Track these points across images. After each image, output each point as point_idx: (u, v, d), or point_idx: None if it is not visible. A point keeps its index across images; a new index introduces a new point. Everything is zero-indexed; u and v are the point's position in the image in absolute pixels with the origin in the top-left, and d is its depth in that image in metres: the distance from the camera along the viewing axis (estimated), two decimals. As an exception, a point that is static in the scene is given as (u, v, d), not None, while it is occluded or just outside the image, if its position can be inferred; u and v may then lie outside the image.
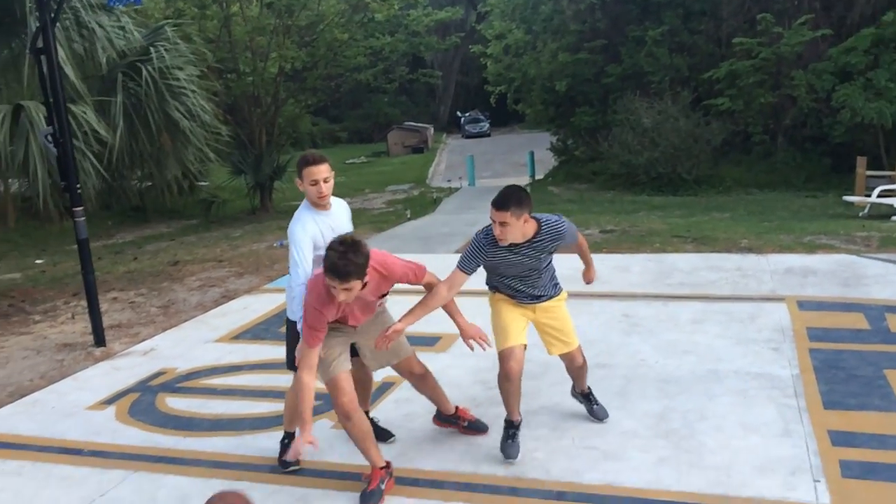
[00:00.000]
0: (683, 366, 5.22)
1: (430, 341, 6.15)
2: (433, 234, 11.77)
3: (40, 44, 6.24)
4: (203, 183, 19.73)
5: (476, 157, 27.76)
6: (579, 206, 15.75)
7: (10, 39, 7.62)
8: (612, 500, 3.60)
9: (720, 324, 6.07)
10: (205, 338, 6.78)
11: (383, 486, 3.76)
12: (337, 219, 3.99)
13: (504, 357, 3.92)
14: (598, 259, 8.62)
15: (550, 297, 4.07)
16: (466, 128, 47.75)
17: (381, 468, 3.80)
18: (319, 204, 3.91)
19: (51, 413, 5.26)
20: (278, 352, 6.12)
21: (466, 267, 3.89)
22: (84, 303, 8.46)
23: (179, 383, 5.66)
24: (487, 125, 47.28)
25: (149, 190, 12.27)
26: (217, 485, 4.03)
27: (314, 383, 3.56)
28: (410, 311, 3.82)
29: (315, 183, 3.84)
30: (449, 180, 25.33)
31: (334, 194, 4.00)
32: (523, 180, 24.38)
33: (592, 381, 4.98)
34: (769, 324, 5.97)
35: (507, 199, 3.66)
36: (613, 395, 4.78)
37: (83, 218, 6.44)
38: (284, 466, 4.13)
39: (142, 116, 8.35)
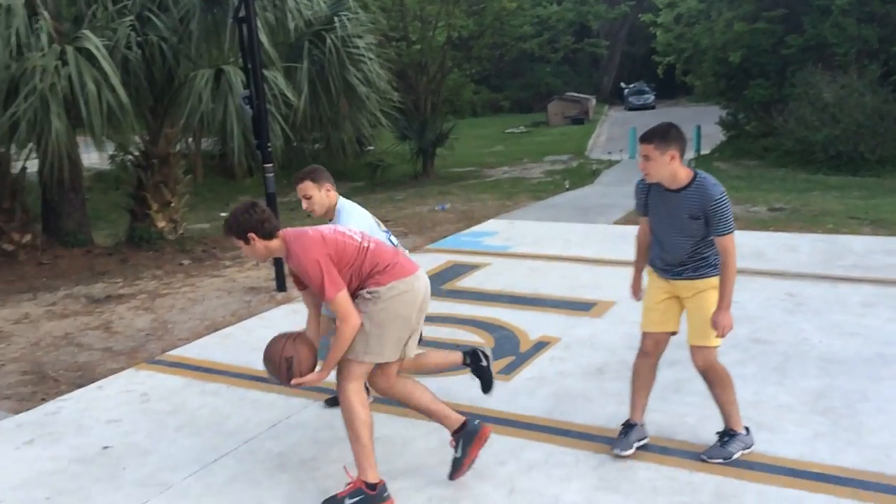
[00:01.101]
0: (848, 347, 5.08)
1: (584, 307, 6.32)
2: (591, 204, 11.80)
3: (242, 13, 6.87)
4: (369, 147, 20.65)
5: (639, 129, 27.06)
6: (747, 182, 15.15)
7: (213, 9, 8.41)
8: (761, 467, 3.65)
9: (893, 308, 5.81)
10: (373, 290, 7.27)
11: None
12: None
13: (642, 337, 3.92)
14: (764, 237, 8.48)
15: (691, 278, 3.72)
16: (630, 99, 46.44)
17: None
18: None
19: (242, 346, 5.90)
20: (440, 306, 6.53)
21: (637, 208, 3.90)
22: (266, 252, 9.28)
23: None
24: (652, 97, 45.77)
25: (321, 152, 13.04)
26: (399, 421, 4.41)
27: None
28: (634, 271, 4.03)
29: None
30: (609, 152, 24.95)
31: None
32: (688, 155, 23.61)
33: (750, 357, 4.99)
34: (949, 312, 5.67)
35: (653, 133, 3.59)
36: (771, 370, 4.76)
37: (272, 174, 7.07)
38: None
39: (323, 82, 8.96)
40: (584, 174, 18.00)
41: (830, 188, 14.19)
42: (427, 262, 8.20)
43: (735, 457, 3.74)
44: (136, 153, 9.58)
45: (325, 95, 9.02)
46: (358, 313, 3.42)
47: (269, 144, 7.02)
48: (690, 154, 23.88)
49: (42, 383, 5.44)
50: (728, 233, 3.55)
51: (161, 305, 7.21)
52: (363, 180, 20.93)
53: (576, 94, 42.50)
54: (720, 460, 3.73)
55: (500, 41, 20.78)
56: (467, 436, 3.64)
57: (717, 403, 3.82)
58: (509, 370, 5.06)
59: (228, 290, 7.64)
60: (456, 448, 3.65)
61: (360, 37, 9.22)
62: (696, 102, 34.13)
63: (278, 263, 7.38)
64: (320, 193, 4.25)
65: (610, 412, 4.33)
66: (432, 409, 3.73)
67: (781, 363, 4.89)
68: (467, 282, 7.32)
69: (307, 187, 4.23)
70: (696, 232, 3.62)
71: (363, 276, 3.51)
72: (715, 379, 3.76)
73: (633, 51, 51.79)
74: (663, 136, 3.55)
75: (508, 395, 4.65)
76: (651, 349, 3.86)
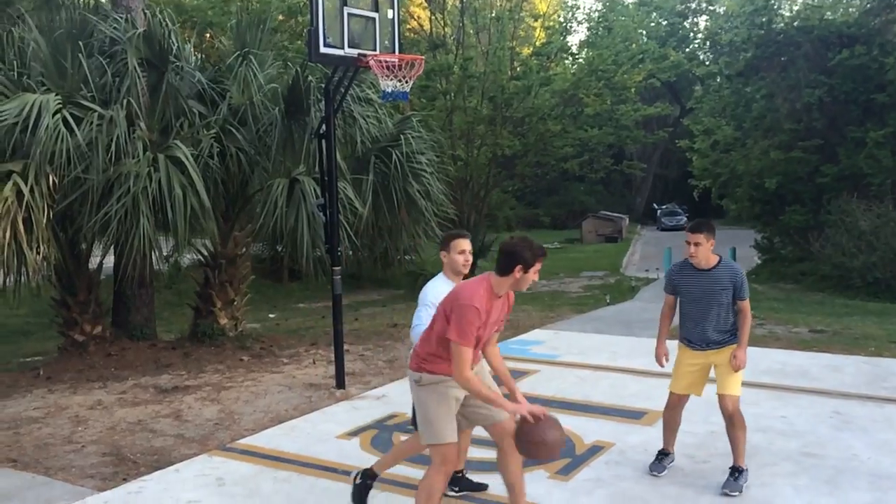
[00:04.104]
0: (898, 464, 5.25)
1: (636, 415, 6.55)
2: (634, 319, 12.08)
3: (322, 130, 7.54)
4: (408, 257, 21.20)
5: (673, 249, 27.59)
6: (786, 304, 15.33)
7: (292, 125, 9.16)
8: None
9: (941, 430, 5.96)
10: (428, 391, 7.56)
11: None
12: None
13: (669, 395, 5.19)
14: (807, 357, 8.68)
15: (723, 344, 4.93)
16: (663, 220, 47.27)
17: None
18: (462, 272, 4.62)
19: (307, 438, 6.20)
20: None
21: (667, 288, 5.16)
22: (321, 350, 9.67)
23: (410, 425, 6.42)
24: (684, 219, 46.53)
25: (366, 259, 13.52)
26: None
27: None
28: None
29: (462, 252, 4.60)
30: (647, 270, 25.31)
31: None
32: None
33: (802, 469, 5.18)
34: None
35: (702, 225, 4.85)
36: (822, 483, 4.94)
37: (339, 277, 7.55)
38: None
39: (386, 194, 9.57)
40: (623, 290, 18.30)
41: (869, 313, 14.31)
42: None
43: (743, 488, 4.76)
44: (206, 254, 10.16)
45: (386, 206, 9.61)
46: None
47: (339, 249, 7.53)
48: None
49: (122, 464, 5.76)
50: (747, 297, 4.88)
51: (226, 397, 7.56)
52: (404, 288, 21.42)
53: (609, 213, 43.39)
54: (737, 493, 4.72)
55: (543, 160, 21.67)
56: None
57: (731, 441, 4.90)
58: (567, 471, 5.29)
59: (289, 385, 7.98)
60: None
61: (422, 153, 9.90)
62: (729, 225, 34.68)
63: (339, 361, 7.74)
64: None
65: (668, 514, 4.53)
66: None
67: (832, 476, 5.06)
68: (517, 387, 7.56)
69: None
70: (725, 300, 4.84)
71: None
72: (738, 422, 4.86)
73: (666, 173, 53.09)
74: (710, 228, 4.85)
75: (568, 495, 4.88)
76: (672, 403, 5.17)
